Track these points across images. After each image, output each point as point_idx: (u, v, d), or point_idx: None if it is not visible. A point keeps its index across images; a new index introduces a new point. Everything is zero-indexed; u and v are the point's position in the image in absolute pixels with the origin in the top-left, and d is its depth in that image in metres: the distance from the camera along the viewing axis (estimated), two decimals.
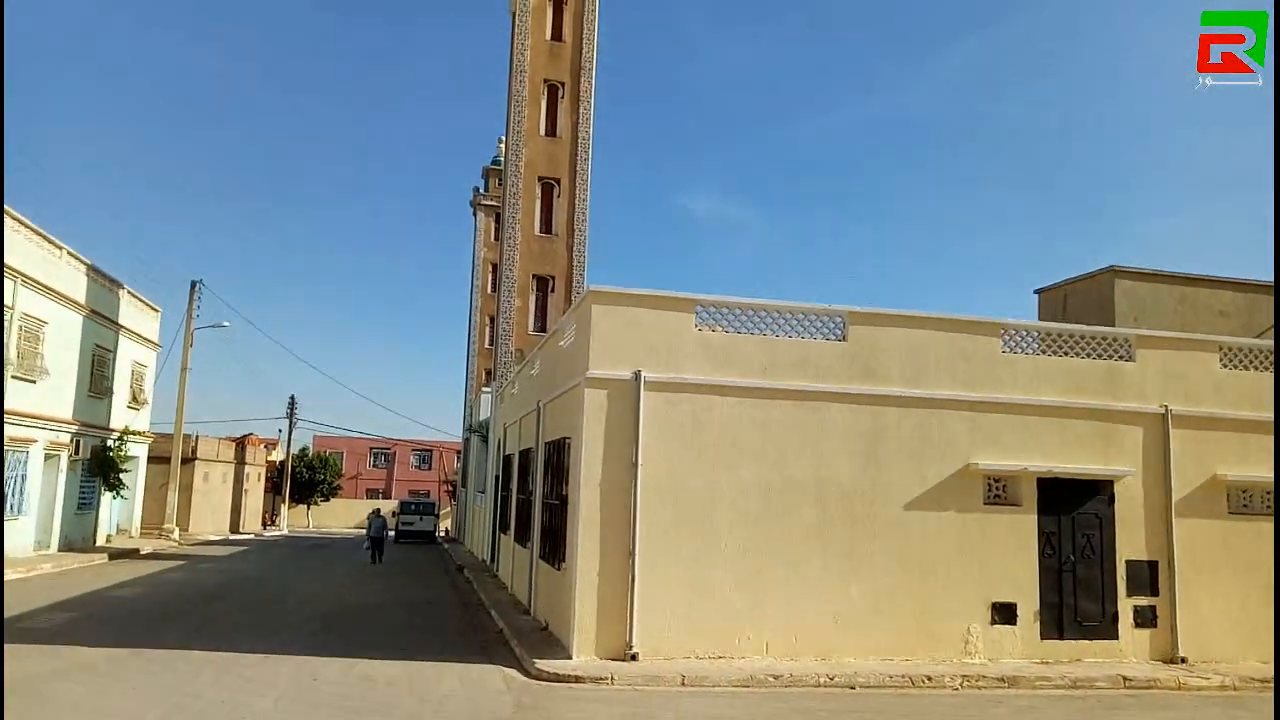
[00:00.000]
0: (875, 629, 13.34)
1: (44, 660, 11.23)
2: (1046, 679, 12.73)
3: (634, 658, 12.40)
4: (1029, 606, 13.93)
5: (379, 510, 31.08)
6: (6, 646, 12.24)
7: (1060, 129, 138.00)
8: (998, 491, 14.22)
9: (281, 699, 9.85)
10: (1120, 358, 14.90)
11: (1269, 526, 14.98)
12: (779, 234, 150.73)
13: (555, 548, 14.75)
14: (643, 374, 13.11)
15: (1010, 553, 14.02)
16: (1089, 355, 14.83)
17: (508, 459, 23.88)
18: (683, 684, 11.59)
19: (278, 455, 63.07)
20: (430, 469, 79.13)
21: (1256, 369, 15.38)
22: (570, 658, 12.46)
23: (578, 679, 11.54)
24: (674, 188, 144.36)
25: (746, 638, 12.94)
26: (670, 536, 12.97)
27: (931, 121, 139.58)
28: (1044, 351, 14.79)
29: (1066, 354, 14.76)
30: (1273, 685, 12.76)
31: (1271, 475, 14.88)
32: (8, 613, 14.81)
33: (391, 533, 43.73)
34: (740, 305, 13.84)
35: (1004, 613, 13.83)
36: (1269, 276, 19.32)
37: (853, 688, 11.95)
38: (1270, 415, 14.95)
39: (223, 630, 14.65)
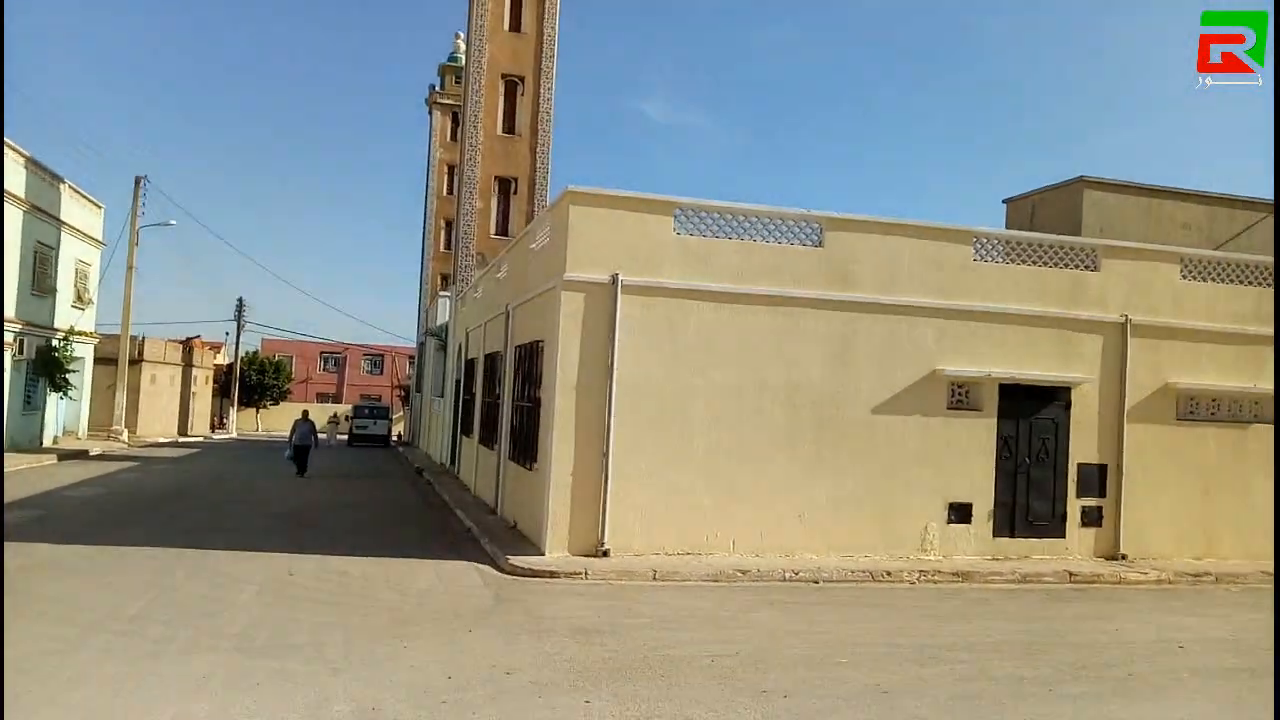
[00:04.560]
0: (839, 527, 13.75)
1: (10, 557, 11.06)
2: (998, 574, 13.33)
3: (605, 554, 12.66)
4: (984, 506, 14.45)
5: (308, 413, 26.37)
6: None
7: (1027, 41, 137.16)
8: (960, 396, 14.57)
9: (260, 592, 9.89)
10: (1086, 267, 15.16)
11: (1211, 431, 15.64)
12: (736, 141, 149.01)
13: (526, 449, 14.82)
14: (620, 277, 13.01)
15: (969, 455, 14.45)
16: (1056, 264, 15.05)
17: (470, 363, 23.76)
18: (654, 579, 11.89)
19: (224, 358, 62.03)
20: (382, 373, 78.58)
21: (1215, 280, 15.77)
22: (543, 554, 12.67)
23: (552, 574, 11.77)
24: (630, 92, 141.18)
25: (715, 535, 13.26)
26: (643, 437, 13.11)
27: (890, 34, 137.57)
28: (1012, 260, 14.97)
29: (1034, 263, 14.97)
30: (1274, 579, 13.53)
31: (1219, 383, 15.47)
32: None
33: (343, 437, 43.56)
34: (718, 209, 13.71)
35: (960, 512, 14.34)
36: (1218, 189, 19.77)
37: (816, 582, 12.38)
38: (1226, 325, 15.52)
39: (188, 528, 14.58)
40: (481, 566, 12.28)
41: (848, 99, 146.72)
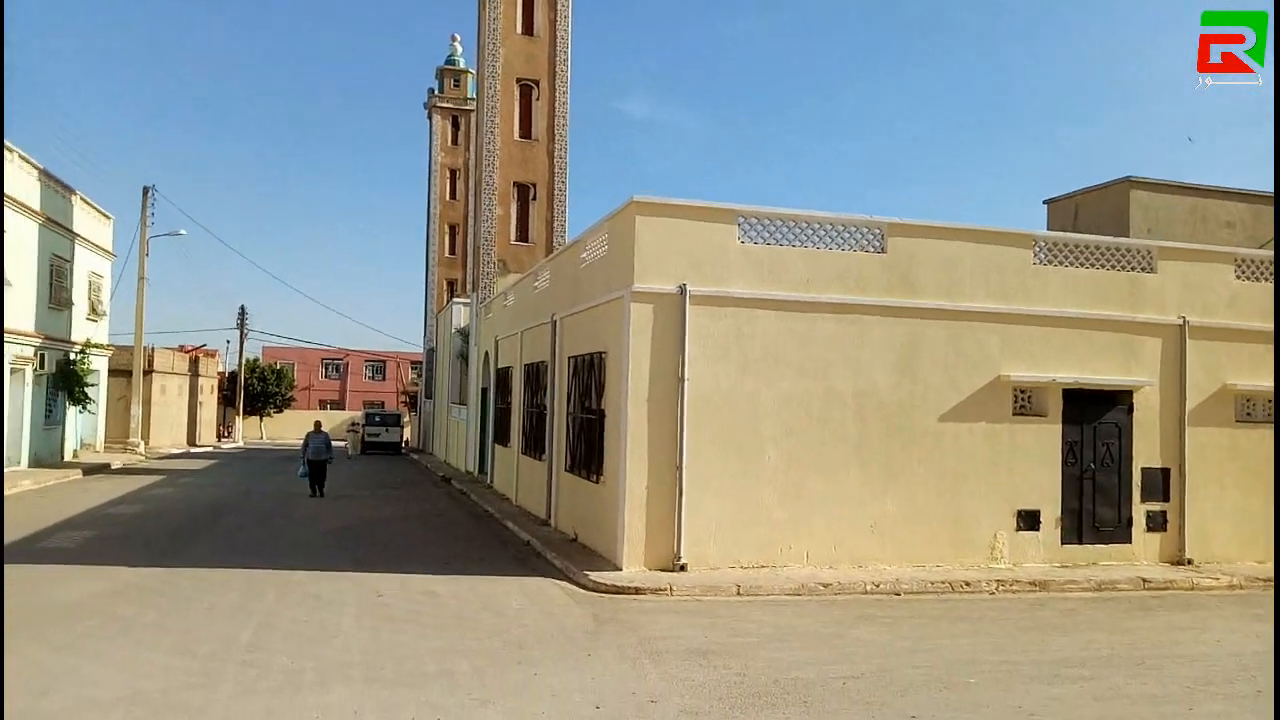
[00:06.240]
0: (909, 537, 13.68)
1: (90, 581, 10.90)
2: (1074, 582, 13.27)
3: (683, 568, 12.55)
4: (1051, 513, 14.41)
5: (320, 424, 23.22)
6: (42, 566, 11.90)
7: (1010, 36, 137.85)
8: (1024, 402, 14.52)
9: (360, 616, 9.73)
10: (1143, 269, 15.13)
11: (1270, 434, 15.62)
12: (717, 139, 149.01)
13: (589, 462, 14.69)
14: (688, 287, 12.90)
15: (1035, 462, 14.41)
16: (1113, 267, 15.01)
17: (503, 372, 23.59)
18: (738, 593, 11.77)
19: (222, 366, 61.52)
20: (385, 380, 78.11)
21: (1268, 280, 15.75)
22: (620, 569, 12.55)
23: (637, 590, 11.64)
24: (610, 92, 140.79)
25: (789, 546, 13.17)
26: (714, 450, 13.00)
27: (869, 26, 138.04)
28: (1068, 263, 14.91)
29: (1091, 265, 14.92)
30: (1273, 587, 13.52)
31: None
32: (14, 531, 14.32)
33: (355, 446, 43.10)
34: (782, 216, 13.61)
35: (1028, 519, 14.29)
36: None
37: (898, 594, 12.30)
38: None
39: (249, 547, 14.40)
40: (561, 583, 12.14)
41: (822, 97, 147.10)
